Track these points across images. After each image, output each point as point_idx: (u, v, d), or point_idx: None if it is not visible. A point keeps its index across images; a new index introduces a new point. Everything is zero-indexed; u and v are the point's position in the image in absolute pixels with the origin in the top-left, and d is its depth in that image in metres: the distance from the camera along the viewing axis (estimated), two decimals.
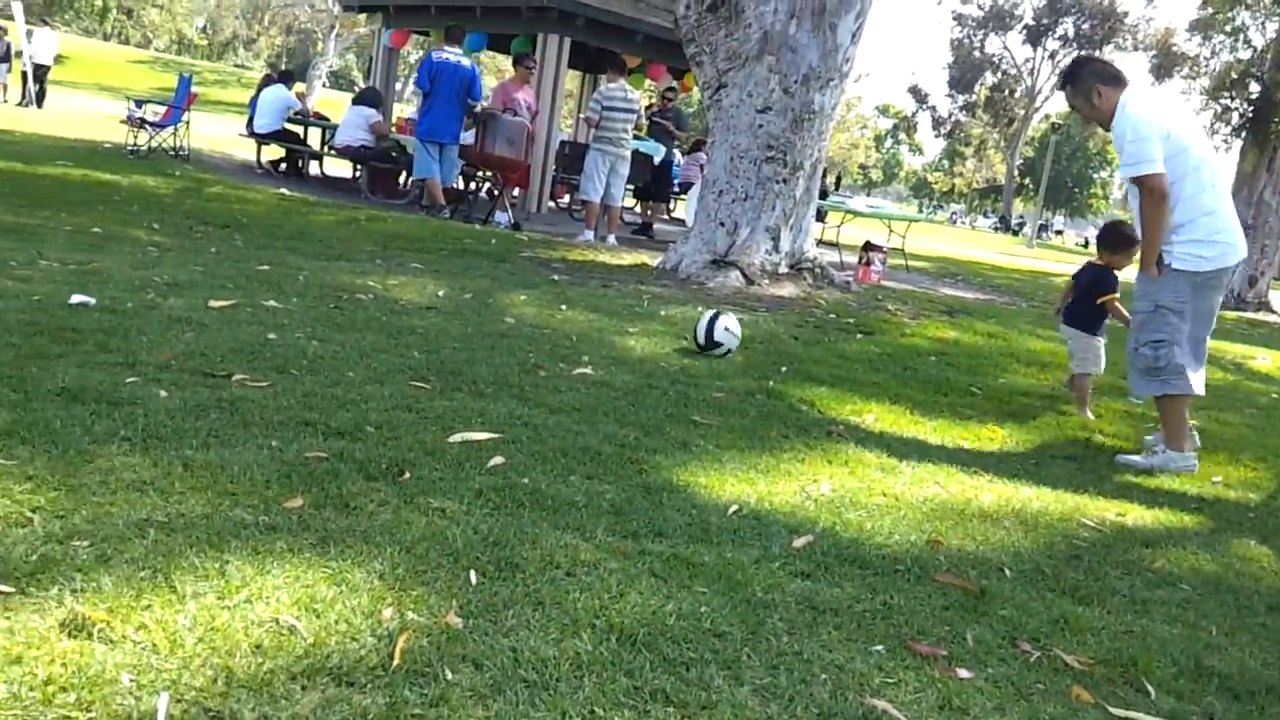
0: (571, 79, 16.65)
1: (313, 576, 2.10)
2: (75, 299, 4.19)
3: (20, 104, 21.19)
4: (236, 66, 64.57)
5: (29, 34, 22.04)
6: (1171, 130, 4.11)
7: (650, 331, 5.54)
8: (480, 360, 4.26)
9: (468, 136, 11.31)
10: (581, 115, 11.93)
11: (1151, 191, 4.08)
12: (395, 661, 1.83)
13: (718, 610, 2.24)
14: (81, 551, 2.04)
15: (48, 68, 22.36)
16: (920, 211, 66.15)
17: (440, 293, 5.84)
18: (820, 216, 13.85)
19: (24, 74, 21.59)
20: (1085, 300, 4.97)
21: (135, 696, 1.62)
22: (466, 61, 10.73)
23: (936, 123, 68.44)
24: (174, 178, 10.51)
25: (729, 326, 5.20)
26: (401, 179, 12.92)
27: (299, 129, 14.29)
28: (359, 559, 2.22)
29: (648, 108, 12.55)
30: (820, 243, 11.22)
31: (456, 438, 3.16)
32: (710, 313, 5.33)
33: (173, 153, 13.26)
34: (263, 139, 13.60)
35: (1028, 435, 4.50)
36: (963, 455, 3.97)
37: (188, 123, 13.64)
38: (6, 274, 4.56)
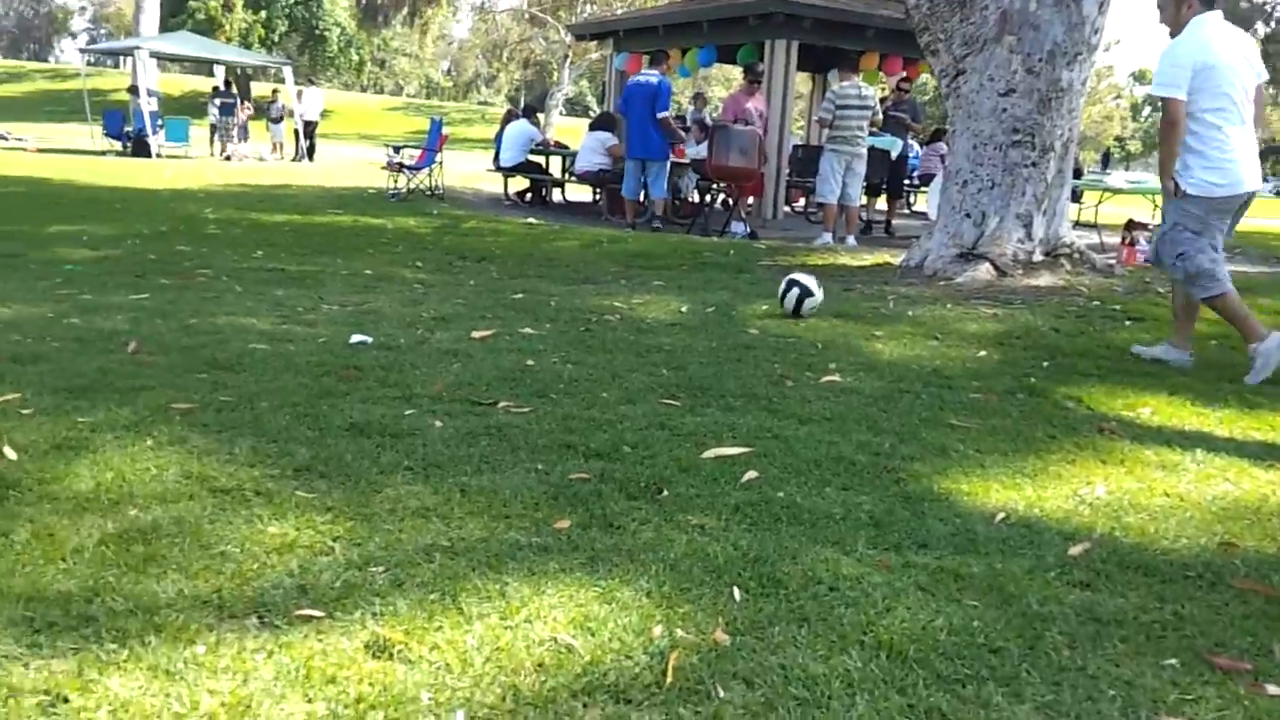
0: (802, 81, 16.54)
1: (585, 595, 2.19)
2: (355, 339, 4.55)
3: (294, 159, 23.26)
4: (479, 104, 68.29)
5: (299, 94, 24.17)
6: (1212, 63, 4.54)
7: (898, 333, 5.41)
8: (727, 374, 4.30)
9: (700, 150, 11.47)
10: (814, 117, 11.81)
11: (1166, 114, 4.62)
12: (668, 679, 1.88)
13: (991, 624, 2.16)
14: (378, 577, 2.22)
15: (316, 123, 24.43)
16: None
17: (683, 308, 5.94)
18: (1076, 197, 13.06)
19: (296, 131, 23.70)
20: None
21: (435, 714, 1.74)
22: (655, 78, 10.99)
23: None
24: (432, 216, 11.23)
25: (795, 279, 5.80)
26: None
27: (541, 159, 14.93)
28: (626, 577, 2.29)
29: (882, 100, 12.25)
30: (1077, 225, 10.59)
31: (710, 453, 3.20)
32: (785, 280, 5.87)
33: (429, 192, 14.17)
34: (509, 172, 14.30)
35: None
36: (1254, 448, 3.63)
37: (441, 163, 14.55)
38: (295, 319, 5.02)
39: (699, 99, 16.27)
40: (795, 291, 5.76)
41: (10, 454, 2.81)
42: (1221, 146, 4.59)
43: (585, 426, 3.42)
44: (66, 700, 1.70)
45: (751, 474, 3.03)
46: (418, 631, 2.00)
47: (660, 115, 10.85)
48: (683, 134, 12.02)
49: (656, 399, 3.84)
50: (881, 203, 12.80)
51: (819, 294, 5.77)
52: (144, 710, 1.69)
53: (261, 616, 2.02)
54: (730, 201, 11.32)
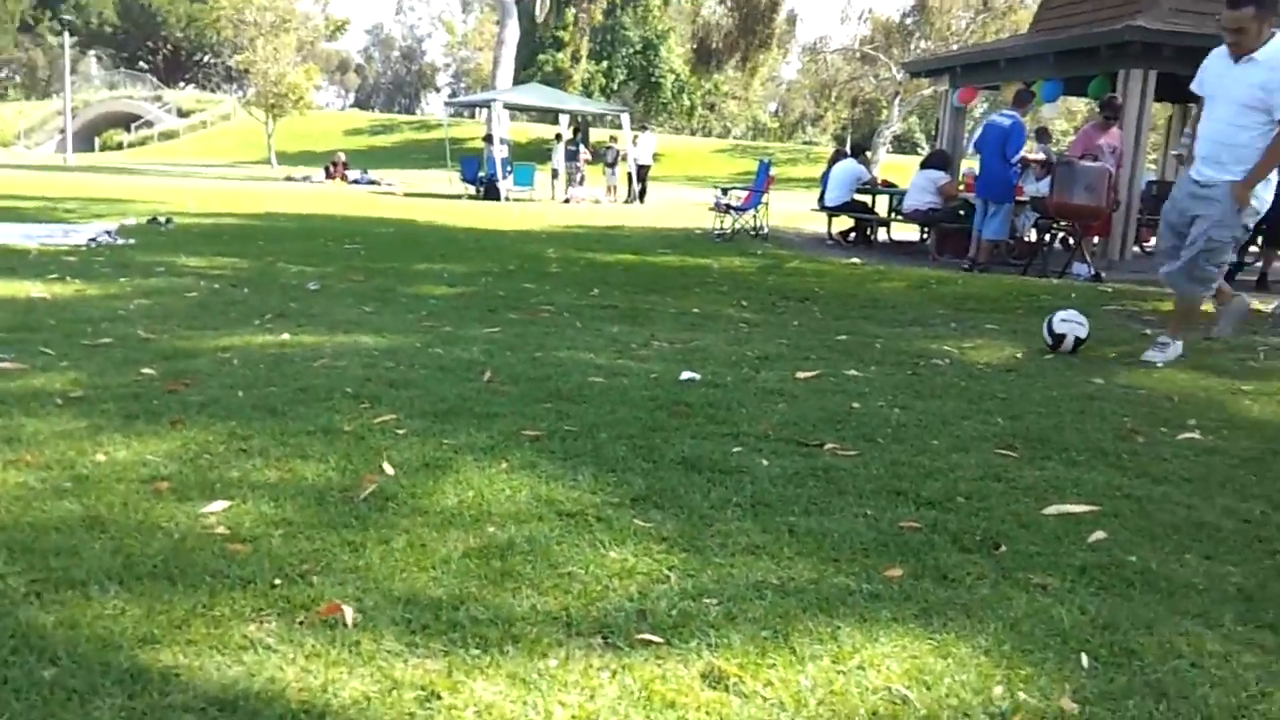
0: (1158, 111, 15.36)
1: (919, 648, 2.14)
2: (684, 375, 4.71)
3: (627, 201, 24.49)
4: (804, 144, 68.72)
5: (634, 139, 25.46)
6: None
7: (1270, 389, 4.87)
8: (1068, 425, 4.05)
9: (1042, 187, 10.93)
10: (1172, 152, 10.93)
11: None
12: None
13: None
14: (712, 609, 2.28)
15: (649, 167, 25.63)
16: None
17: (1019, 354, 5.67)
18: None
19: (630, 175, 24.95)
20: None
21: None
22: (1008, 120, 10.63)
23: None
24: (756, 256, 11.43)
25: (1066, 317, 5.64)
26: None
27: (867, 198, 14.81)
28: (962, 633, 2.22)
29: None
30: None
31: (1051, 509, 3.03)
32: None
33: (753, 232, 14.44)
34: (833, 211, 14.29)
35: None
36: None
37: (766, 204, 14.79)
38: (629, 355, 5.27)
39: (1042, 133, 15.51)
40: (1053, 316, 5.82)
41: (389, 469, 3.14)
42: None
43: (915, 473, 3.34)
44: (439, 697, 1.87)
45: (1099, 534, 2.83)
46: (751, 666, 2.03)
47: (1013, 158, 10.56)
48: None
49: (991, 448, 3.69)
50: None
51: (1077, 319, 5.75)
52: (504, 714, 1.83)
53: (605, 637, 2.13)
54: (1072, 241, 10.68)
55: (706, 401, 4.24)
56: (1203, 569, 2.63)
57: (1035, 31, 15.24)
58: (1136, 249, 12.80)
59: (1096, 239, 11.35)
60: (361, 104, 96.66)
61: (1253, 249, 11.65)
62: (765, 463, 3.40)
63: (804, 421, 3.98)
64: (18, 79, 74.72)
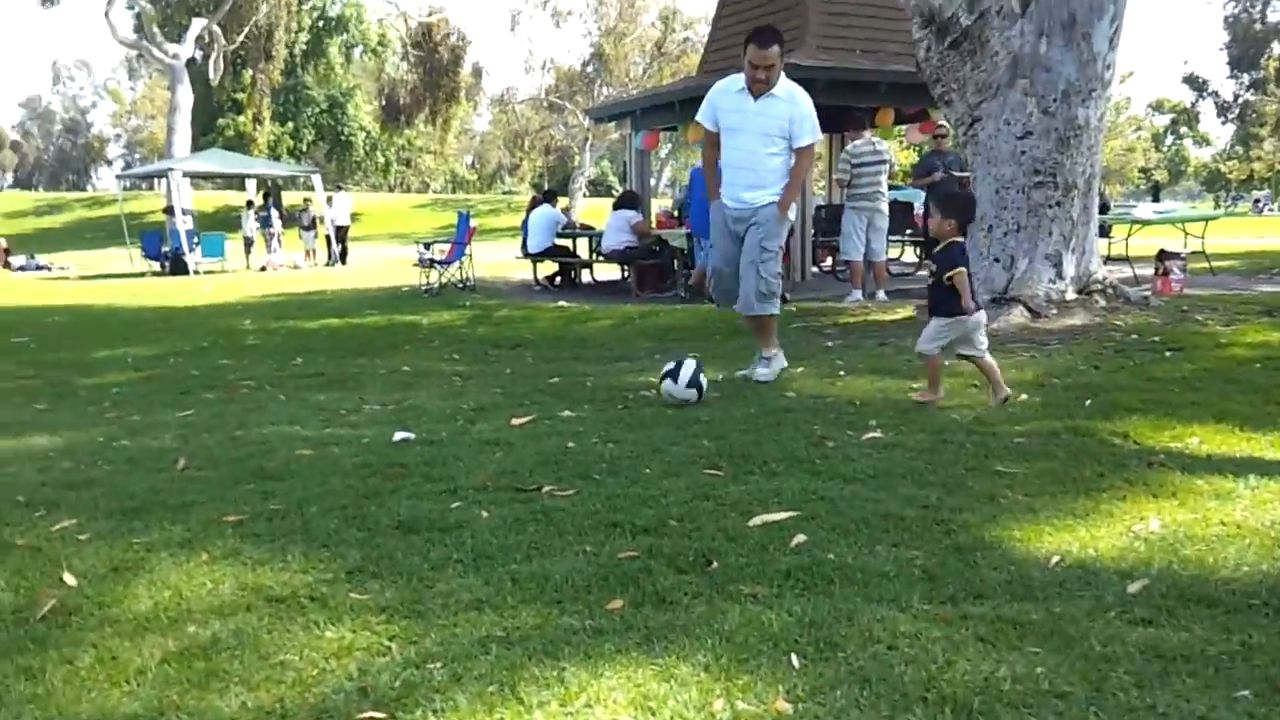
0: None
1: (643, 675, 2.19)
2: (398, 436, 4.61)
3: (328, 264, 23.75)
4: (504, 193, 69.47)
5: (329, 200, 24.76)
6: None
7: None
8: (767, 439, 4.30)
9: None
10: (834, 177, 11.90)
11: None
12: None
13: (1055, 670, 2.13)
14: (436, 673, 2.23)
15: (347, 227, 24.98)
16: (1217, 207, 60.55)
17: (719, 377, 5.97)
18: (1104, 232, 13.02)
19: (328, 237, 24.22)
20: None
21: None
22: None
23: (1221, 109, 63.08)
24: (465, 308, 11.40)
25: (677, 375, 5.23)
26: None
27: (568, 242, 15.14)
28: (683, 653, 2.29)
29: (935, 151, 12.31)
30: (1108, 260, 10.54)
31: (756, 521, 3.20)
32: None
33: (461, 285, 14.40)
34: (536, 257, 14.51)
35: None
36: None
37: (470, 255, 14.80)
38: (338, 422, 5.10)
39: None
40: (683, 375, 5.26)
41: (70, 580, 2.86)
42: None
43: (630, 504, 3.43)
44: None
45: (800, 538, 3.02)
46: None
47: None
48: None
49: (699, 470, 3.85)
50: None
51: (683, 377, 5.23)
52: None
53: None
54: None
55: (422, 460, 4.16)
56: (892, 556, 2.86)
57: (704, 74, 16.20)
58: (815, 269, 13.83)
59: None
60: (22, 183, 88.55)
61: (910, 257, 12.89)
62: (485, 514, 3.38)
63: (521, 468, 3.99)
64: None
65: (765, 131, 5.69)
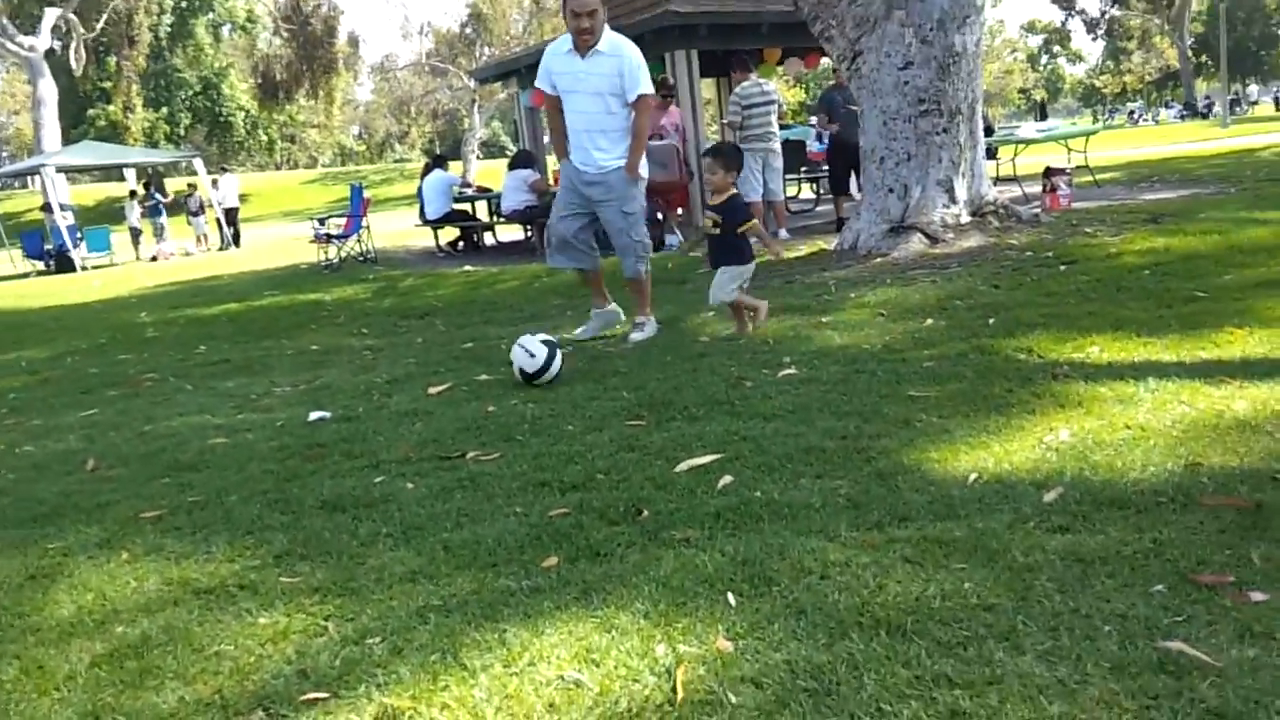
0: (707, 87, 16.70)
1: (584, 628, 2.21)
2: (313, 416, 4.53)
3: (221, 248, 23.07)
4: (396, 162, 68.12)
5: (214, 183, 23.98)
6: None
7: (845, 317, 5.49)
8: (685, 385, 4.34)
9: None
10: (724, 121, 11.94)
11: None
12: (679, 695, 1.90)
13: (981, 583, 2.21)
14: (376, 648, 2.22)
15: (237, 209, 24.25)
16: (1096, 121, 62.41)
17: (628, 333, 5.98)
18: (991, 155, 13.31)
19: (218, 220, 23.50)
20: None
21: None
22: None
23: (1090, 25, 64.77)
24: (369, 281, 11.20)
25: (522, 343, 4.76)
26: None
27: (467, 206, 14.94)
28: (621, 603, 2.31)
29: (833, 86, 12.36)
30: (997, 181, 10.80)
31: (682, 466, 3.23)
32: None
33: (361, 258, 14.12)
34: (436, 224, 14.29)
35: (1271, 330, 4.18)
36: (1204, 367, 3.73)
37: (368, 227, 14.52)
38: (250, 407, 4.99)
39: None
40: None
41: None
42: None
43: (556, 462, 3.43)
44: None
45: (727, 479, 3.06)
46: (425, 695, 2.00)
47: None
48: None
49: (621, 422, 3.86)
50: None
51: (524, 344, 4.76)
52: None
53: (267, 709, 2.01)
54: (660, 216, 11.39)
55: (340, 437, 4.10)
56: (816, 488, 2.91)
57: None
58: None
59: (680, 210, 12.19)
60: None
61: (808, 194, 13.00)
62: (410, 485, 3.35)
63: (442, 436, 3.96)
64: None
65: (598, 91, 5.54)
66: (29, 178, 31.92)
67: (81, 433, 4.82)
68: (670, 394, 4.20)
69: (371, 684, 2.06)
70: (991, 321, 4.89)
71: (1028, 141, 12.77)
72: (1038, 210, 8.62)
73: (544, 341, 4.75)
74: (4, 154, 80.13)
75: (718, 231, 5.24)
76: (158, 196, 23.96)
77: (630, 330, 5.84)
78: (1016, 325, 4.73)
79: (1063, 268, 6.10)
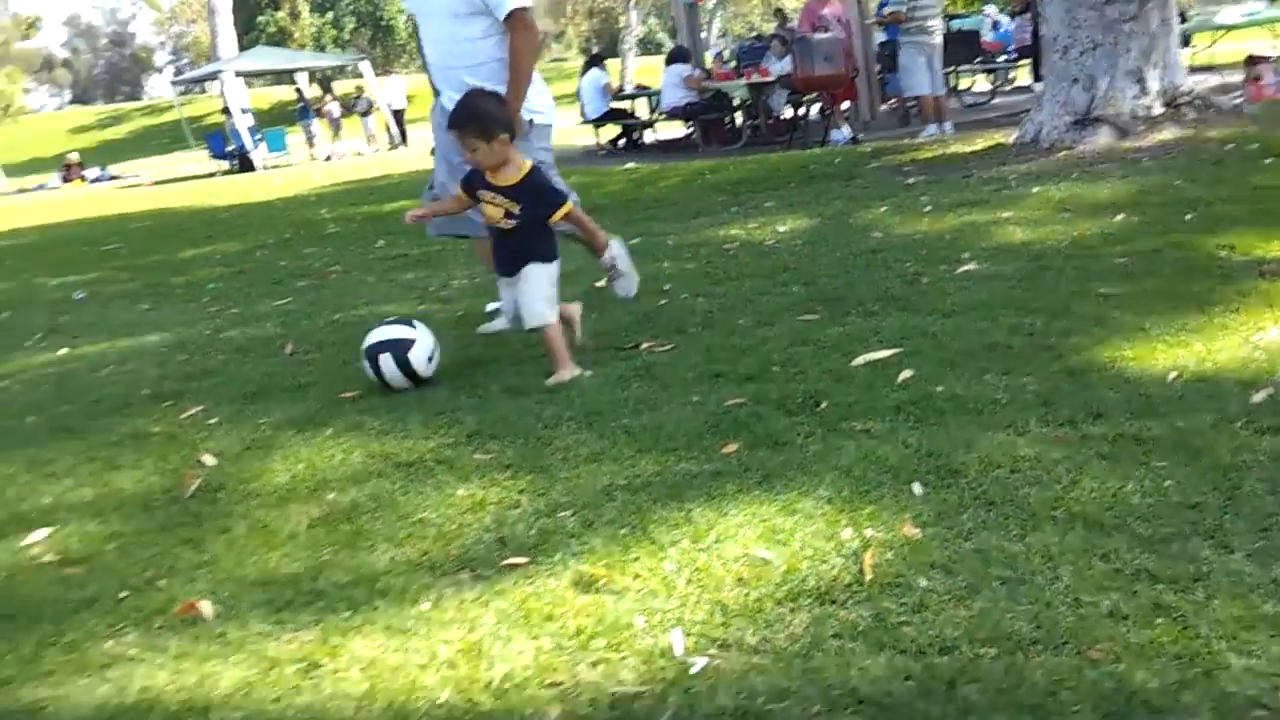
0: None
1: (767, 511, 2.25)
2: (491, 307, 4.67)
3: (391, 148, 23.73)
4: (554, 61, 68.09)
5: (381, 86, 24.59)
6: None
7: (1027, 212, 5.27)
8: (859, 281, 4.27)
9: (785, 65, 11.27)
10: (886, 10, 11.42)
11: None
12: (868, 576, 1.93)
13: (1185, 482, 2.13)
14: (568, 521, 2.32)
15: (403, 110, 24.83)
16: None
17: (801, 225, 5.90)
18: (1185, 42, 12.37)
19: (386, 122, 24.14)
20: None
21: (651, 635, 1.83)
22: None
23: None
24: None
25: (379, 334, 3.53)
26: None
27: (627, 104, 14.87)
28: (804, 489, 2.34)
29: None
30: (1194, 70, 10.05)
31: (859, 360, 3.21)
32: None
33: None
34: (597, 123, 14.30)
35: None
36: None
37: None
38: (431, 299, 5.19)
39: (779, 14, 16.02)
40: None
41: (210, 460, 3.01)
42: None
43: (729, 354, 3.46)
44: (320, 665, 1.84)
45: (906, 373, 3.02)
46: (617, 565, 2.09)
47: None
48: None
49: (794, 317, 3.85)
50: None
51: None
52: (389, 665, 1.82)
53: (472, 570, 2.14)
54: (826, 111, 11.11)
55: (519, 327, 4.22)
56: (1002, 385, 2.85)
57: None
58: (884, 107, 13.43)
59: (847, 104, 11.83)
60: (80, 99, 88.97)
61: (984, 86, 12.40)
62: (589, 374, 3.43)
63: (616, 328, 4.03)
64: None
65: (450, 10, 3.94)
66: (209, 83, 33.37)
67: (277, 320, 5.11)
68: (843, 289, 4.15)
69: (567, 553, 2.16)
70: (1189, 218, 4.60)
71: (1228, 27, 11.80)
72: (1239, 101, 8.00)
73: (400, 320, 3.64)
74: (184, 61, 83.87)
75: (513, 224, 3.47)
76: (330, 98, 24.75)
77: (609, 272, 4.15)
78: (1217, 221, 4.45)
79: (1267, 161, 5.67)
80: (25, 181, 30.38)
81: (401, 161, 18.21)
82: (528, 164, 3.51)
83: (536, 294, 3.49)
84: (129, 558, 2.41)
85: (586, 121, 14.45)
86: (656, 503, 2.36)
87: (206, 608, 2.09)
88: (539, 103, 4.05)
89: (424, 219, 3.84)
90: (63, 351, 4.92)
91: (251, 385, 3.83)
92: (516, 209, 3.47)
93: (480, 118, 3.38)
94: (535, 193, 3.49)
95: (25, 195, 24.95)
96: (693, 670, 1.71)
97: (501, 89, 3.78)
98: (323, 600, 2.08)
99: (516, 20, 3.87)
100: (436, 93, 4.22)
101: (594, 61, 15.10)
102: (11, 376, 4.48)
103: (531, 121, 4.00)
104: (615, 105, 14.36)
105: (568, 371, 3.45)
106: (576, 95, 15.39)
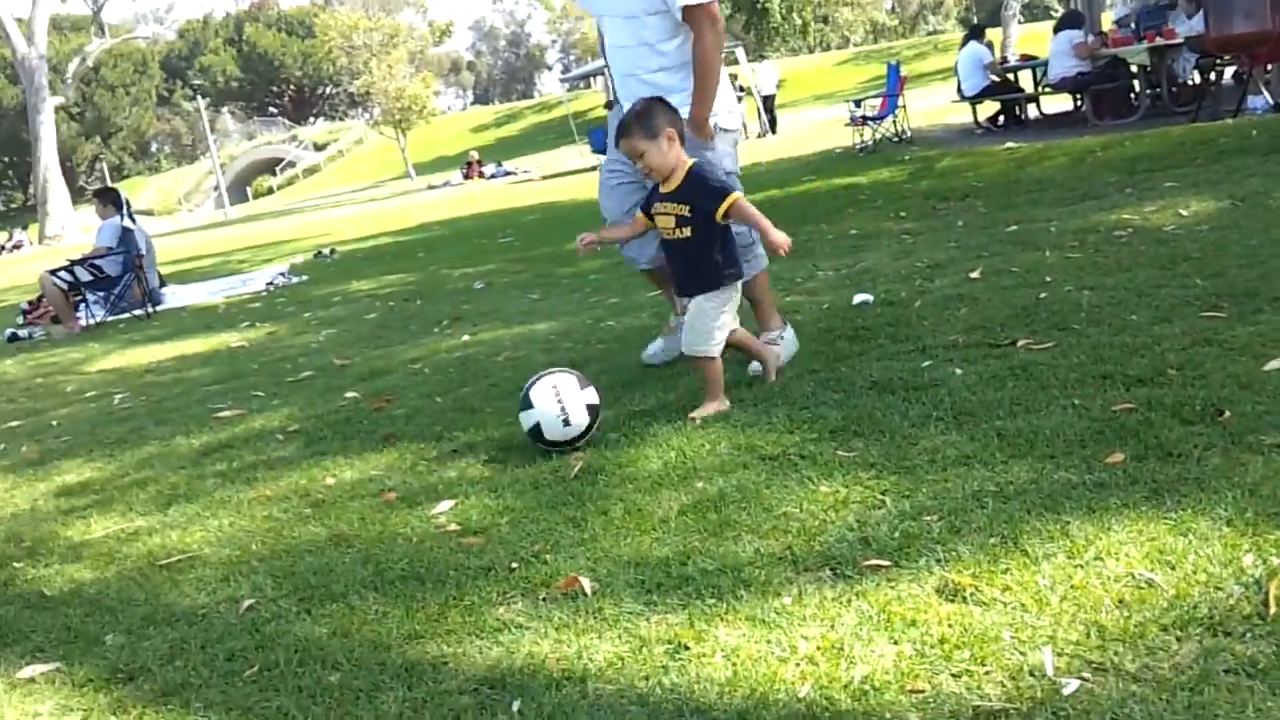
0: None
1: (1155, 529, 2.08)
2: (857, 299, 4.66)
3: (759, 135, 24.14)
4: (929, 34, 65.95)
5: (753, 72, 25.03)
6: None
7: None
8: (1276, 273, 3.81)
9: (1196, 24, 10.19)
10: None
11: None
12: (1272, 609, 1.74)
13: None
14: (934, 525, 2.28)
15: (773, 96, 25.17)
16: None
17: (1207, 208, 5.34)
18: None
19: (757, 109, 24.56)
20: None
21: (1020, 652, 1.76)
22: None
23: None
24: (904, 163, 11.11)
25: (541, 389, 3.25)
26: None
27: (1010, 76, 14.12)
28: (1200, 507, 2.14)
29: None
30: None
31: (1272, 365, 2.87)
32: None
33: (896, 139, 14.02)
34: (973, 99, 13.70)
35: None
36: None
37: (904, 106, 14.32)
38: (796, 289, 5.25)
39: None
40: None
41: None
42: None
43: (1118, 354, 3.22)
44: (687, 648, 1.95)
45: None
46: (985, 575, 2.03)
47: None
48: None
49: (1195, 313, 3.51)
50: None
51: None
52: (751, 654, 1.89)
53: (833, 568, 2.17)
54: (1243, 74, 9.93)
55: (885, 321, 4.18)
56: None
57: None
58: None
59: (1270, 66, 10.50)
60: (481, 99, 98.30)
61: None
62: (959, 371, 3.34)
63: (990, 322, 3.88)
64: (166, 149, 79.66)
65: (630, 10, 3.66)
66: (593, 78, 35.59)
67: (652, 312, 5.39)
68: (1256, 283, 3.72)
69: (931, 558, 2.13)
70: None
71: None
72: None
73: (589, 407, 3.25)
74: (571, 58, 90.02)
75: (688, 232, 3.30)
76: None
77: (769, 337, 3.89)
78: None
79: None
80: (433, 179, 34.16)
81: (770, 148, 18.49)
82: (689, 161, 3.31)
83: (706, 320, 3.33)
84: (519, 531, 2.67)
85: (964, 99, 13.89)
86: (1030, 512, 2.26)
87: (586, 583, 2.28)
88: (721, 105, 3.76)
89: (593, 246, 3.67)
90: (465, 338, 5.49)
91: (628, 373, 4.08)
92: (686, 211, 3.29)
93: (641, 115, 3.27)
94: (700, 186, 3.28)
95: (433, 191, 28.03)
96: (1065, 691, 1.64)
97: (686, 96, 3.59)
98: (690, 585, 2.19)
99: (698, 14, 3.55)
100: (618, 105, 3.93)
101: (973, 34, 14.46)
102: (423, 360, 5.07)
103: (716, 125, 3.73)
104: (995, 78, 13.65)
105: (715, 406, 3.32)
106: (954, 69, 14.83)
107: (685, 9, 3.51)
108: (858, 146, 13.99)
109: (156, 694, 2.12)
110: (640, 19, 3.63)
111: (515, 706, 1.86)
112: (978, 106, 13.98)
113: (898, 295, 4.63)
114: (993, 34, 17.74)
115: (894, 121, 14.25)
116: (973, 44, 13.79)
